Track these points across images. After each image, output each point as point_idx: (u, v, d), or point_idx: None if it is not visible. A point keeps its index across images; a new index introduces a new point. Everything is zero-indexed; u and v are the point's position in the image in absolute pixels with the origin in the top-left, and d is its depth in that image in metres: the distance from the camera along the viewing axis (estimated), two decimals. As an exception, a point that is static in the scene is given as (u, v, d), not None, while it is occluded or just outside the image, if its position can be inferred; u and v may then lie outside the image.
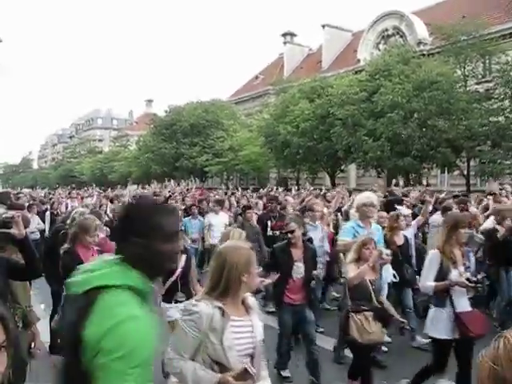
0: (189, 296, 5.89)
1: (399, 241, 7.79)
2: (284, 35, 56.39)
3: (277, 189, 21.03)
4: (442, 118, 23.96)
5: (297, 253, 6.24)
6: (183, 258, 6.32)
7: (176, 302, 6.17)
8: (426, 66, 25.57)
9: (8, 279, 3.98)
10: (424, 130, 24.52)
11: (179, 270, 6.21)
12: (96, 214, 8.37)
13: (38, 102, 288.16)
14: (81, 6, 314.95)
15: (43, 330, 5.80)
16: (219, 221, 11.66)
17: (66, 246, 5.60)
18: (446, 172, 30.37)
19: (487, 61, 28.44)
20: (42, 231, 13.17)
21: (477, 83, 27.83)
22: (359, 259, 5.61)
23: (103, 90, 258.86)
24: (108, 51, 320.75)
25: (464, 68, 27.37)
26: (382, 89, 25.53)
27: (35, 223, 12.24)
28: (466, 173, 26.31)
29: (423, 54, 31.09)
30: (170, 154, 45.94)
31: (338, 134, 26.93)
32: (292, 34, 56.69)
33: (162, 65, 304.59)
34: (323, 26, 49.53)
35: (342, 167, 33.18)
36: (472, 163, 26.04)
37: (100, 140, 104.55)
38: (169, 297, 6.26)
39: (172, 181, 31.43)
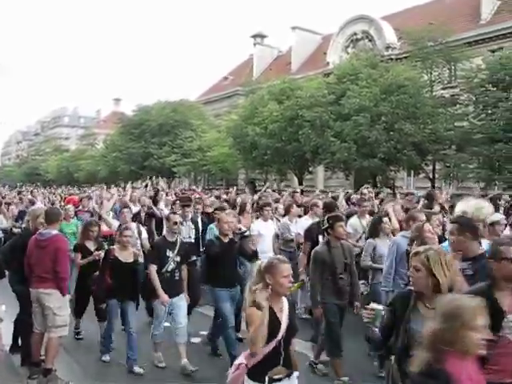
0: None
1: None
2: (254, 36, 56.50)
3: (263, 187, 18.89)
4: (408, 122, 24.27)
5: (505, 299, 3.60)
6: None
7: None
8: (393, 71, 25.89)
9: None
10: (391, 133, 24.85)
11: None
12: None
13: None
14: (43, 2, 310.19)
15: (5, 330, 5.71)
16: (269, 230, 9.35)
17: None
18: (412, 175, 30.85)
19: (453, 67, 29.00)
20: (4, 230, 12.95)
21: (443, 88, 28.36)
22: None
23: (70, 87, 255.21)
24: (75, 48, 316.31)
25: (431, 73, 27.87)
26: (349, 92, 25.78)
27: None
28: (431, 176, 26.74)
29: (391, 59, 31.51)
30: (139, 153, 45.53)
31: (306, 136, 27.03)
32: (262, 36, 56.81)
33: (130, 64, 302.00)
34: (293, 29, 49.83)
35: (310, 169, 33.34)
36: (437, 166, 26.47)
37: (66, 138, 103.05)
38: None
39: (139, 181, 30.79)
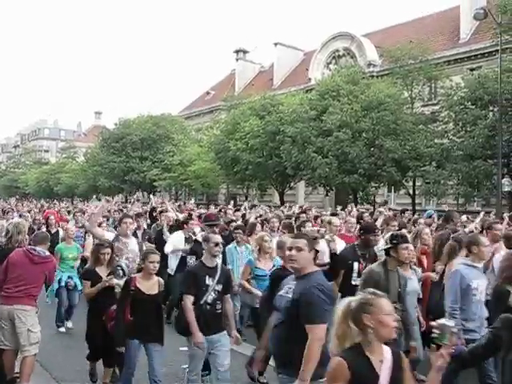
0: None
1: None
2: (236, 52, 56.65)
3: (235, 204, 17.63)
4: (389, 138, 24.48)
5: None
6: None
7: None
8: (374, 87, 26.14)
9: None
10: (372, 149, 25.03)
11: None
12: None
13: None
14: (22, 11, 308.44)
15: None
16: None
17: None
18: (392, 191, 31.03)
19: (433, 84, 29.45)
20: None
21: (423, 105, 28.79)
22: None
23: (50, 99, 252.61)
24: (56, 60, 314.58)
25: (411, 90, 28.24)
26: (330, 108, 25.93)
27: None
28: (411, 192, 26.91)
29: (372, 76, 31.80)
30: (120, 167, 45.28)
31: (287, 151, 27.10)
32: (244, 51, 56.98)
33: (111, 77, 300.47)
34: (275, 44, 50.15)
35: (291, 184, 33.37)
36: (417, 183, 26.66)
37: (46, 151, 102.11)
38: None
39: (121, 195, 30.52)
